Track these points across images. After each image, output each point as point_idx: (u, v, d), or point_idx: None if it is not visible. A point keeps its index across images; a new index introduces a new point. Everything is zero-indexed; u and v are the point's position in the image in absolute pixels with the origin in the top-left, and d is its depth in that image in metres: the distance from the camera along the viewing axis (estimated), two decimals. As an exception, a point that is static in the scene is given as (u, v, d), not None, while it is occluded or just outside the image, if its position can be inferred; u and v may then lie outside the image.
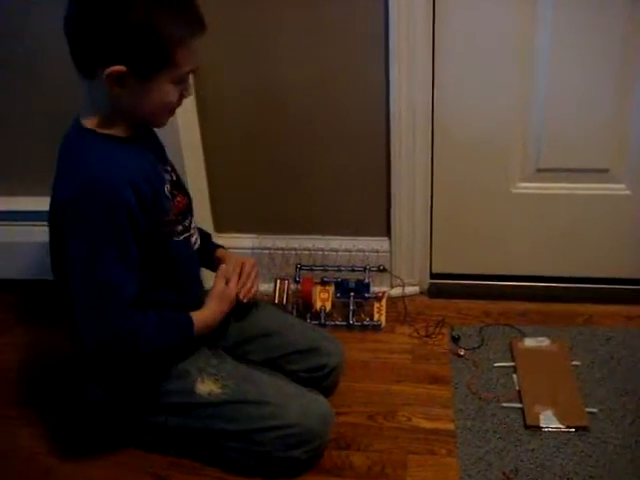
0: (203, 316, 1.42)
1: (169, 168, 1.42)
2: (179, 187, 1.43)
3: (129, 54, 1.18)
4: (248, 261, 1.54)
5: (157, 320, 1.34)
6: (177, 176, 1.45)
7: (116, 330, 1.28)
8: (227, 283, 1.48)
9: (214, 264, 1.55)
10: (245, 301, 1.50)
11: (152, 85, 1.23)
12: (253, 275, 1.53)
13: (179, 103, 1.31)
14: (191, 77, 1.31)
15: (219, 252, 1.58)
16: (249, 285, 1.51)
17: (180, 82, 1.27)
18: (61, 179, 1.30)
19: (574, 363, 1.67)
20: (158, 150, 1.43)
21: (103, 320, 1.27)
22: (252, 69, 1.74)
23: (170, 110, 1.31)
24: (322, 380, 1.57)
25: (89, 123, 1.28)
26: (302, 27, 1.67)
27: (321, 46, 1.69)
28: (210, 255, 1.57)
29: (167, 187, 1.37)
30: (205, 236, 1.58)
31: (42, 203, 1.37)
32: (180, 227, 1.40)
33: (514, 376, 1.65)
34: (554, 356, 1.69)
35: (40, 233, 1.47)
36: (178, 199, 1.40)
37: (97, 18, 1.17)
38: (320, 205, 1.91)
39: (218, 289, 1.46)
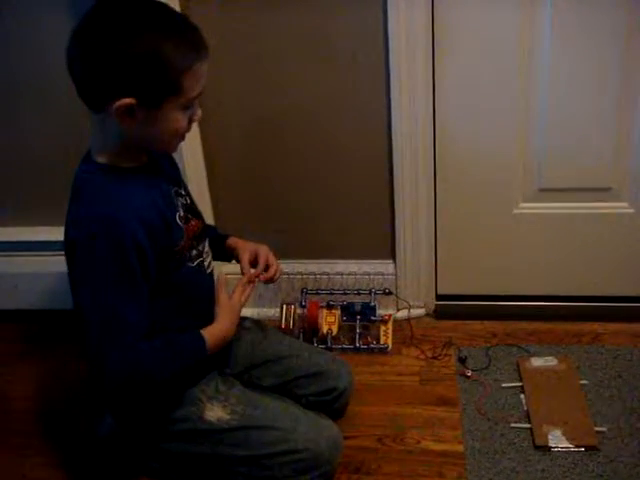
0: (215, 331, 1.38)
1: (183, 192, 1.42)
2: (193, 211, 1.43)
3: (137, 85, 1.18)
4: (262, 249, 1.53)
5: (168, 346, 1.32)
6: (191, 199, 1.44)
7: (127, 367, 1.26)
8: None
9: (227, 254, 1.55)
10: (275, 279, 1.52)
11: (161, 114, 1.23)
12: (271, 258, 1.52)
13: (189, 128, 1.30)
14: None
15: (230, 241, 1.56)
16: (272, 270, 1.51)
17: (188, 107, 1.27)
18: (71, 218, 1.29)
19: (582, 382, 1.67)
20: (172, 173, 1.43)
21: (114, 358, 1.25)
22: (254, 95, 1.75)
23: (181, 136, 1.30)
24: (332, 403, 1.57)
25: (100, 157, 1.28)
26: (304, 52, 1.69)
27: (322, 71, 1.70)
28: (222, 246, 1.55)
29: (179, 214, 1.36)
30: (211, 229, 1.56)
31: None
32: (194, 252, 1.39)
33: (522, 396, 1.65)
34: (562, 375, 1.69)
35: (52, 264, 1.46)
36: (192, 223, 1.39)
37: (102, 53, 1.17)
38: (325, 229, 1.92)
39: (223, 303, 1.42)
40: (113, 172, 1.28)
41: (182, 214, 1.37)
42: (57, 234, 1.34)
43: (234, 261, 1.55)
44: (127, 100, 1.18)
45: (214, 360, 1.47)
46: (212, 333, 1.38)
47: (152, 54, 1.17)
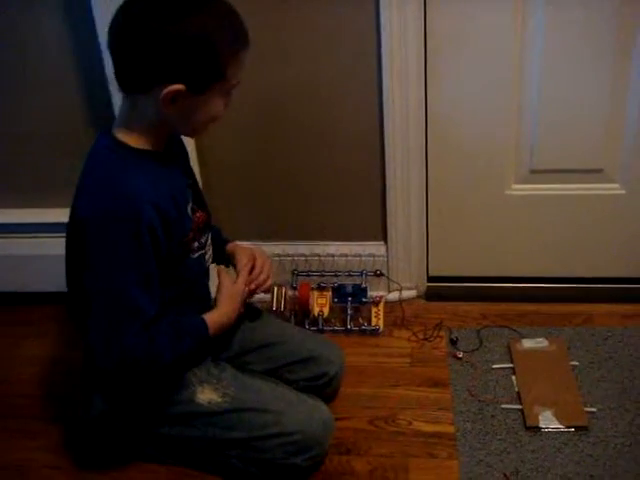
0: (216, 317, 1.39)
1: (191, 182, 1.41)
2: (200, 202, 1.42)
3: (186, 70, 1.16)
4: (260, 255, 1.52)
5: (172, 331, 1.31)
6: (198, 190, 1.43)
7: (133, 351, 1.26)
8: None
9: (226, 259, 1.54)
10: (259, 292, 1.49)
11: (205, 100, 1.22)
12: (267, 268, 1.51)
13: (223, 114, 1.29)
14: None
15: (230, 247, 1.56)
16: (262, 277, 1.49)
17: (227, 94, 1.26)
18: (84, 195, 1.27)
19: (572, 363, 1.67)
20: (184, 163, 1.41)
21: (120, 342, 1.24)
22: (245, 78, 1.74)
23: (215, 121, 1.29)
24: (323, 388, 1.57)
25: (123, 136, 1.25)
26: (294, 37, 1.68)
27: (314, 57, 1.69)
28: (222, 250, 1.55)
29: (191, 205, 1.35)
30: (215, 231, 1.55)
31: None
32: (197, 244, 1.38)
33: (513, 377, 1.65)
34: (552, 356, 1.69)
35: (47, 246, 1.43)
36: (198, 215, 1.39)
37: (150, 35, 1.14)
38: (316, 211, 1.91)
39: (226, 288, 1.42)
40: (133, 153, 1.25)
41: (191, 205, 1.36)
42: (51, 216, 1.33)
43: (232, 267, 1.54)
44: (177, 86, 1.16)
45: (211, 347, 1.47)
46: (213, 319, 1.38)
47: (203, 38, 1.15)
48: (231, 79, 1.23)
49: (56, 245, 1.36)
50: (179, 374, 1.42)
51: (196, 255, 1.39)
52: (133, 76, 1.20)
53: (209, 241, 1.45)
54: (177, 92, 1.17)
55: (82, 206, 1.26)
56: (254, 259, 1.51)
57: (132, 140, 1.26)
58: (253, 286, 1.48)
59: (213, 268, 1.53)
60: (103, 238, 1.22)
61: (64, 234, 1.34)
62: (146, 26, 1.14)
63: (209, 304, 1.45)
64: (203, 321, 1.36)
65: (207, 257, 1.45)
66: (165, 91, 1.16)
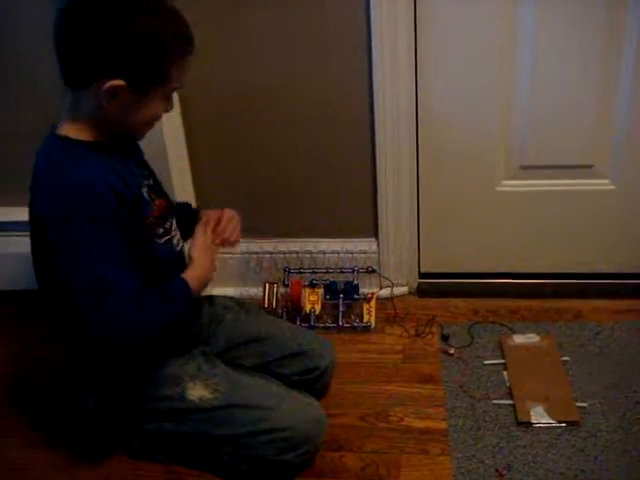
0: (195, 274, 1.38)
1: (147, 173, 1.41)
2: (157, 191, 1.42)
3: (130, 67, 1.18)
4: (227, 211, 1.51)
5: (155, 299, 1.31)
6: (155, 180, 1.44)
7: (119, 326, 1.25)
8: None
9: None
10: (226, 246, 1.48)
11: (146, 100, 1.23)
12: (233, 223, 1.50)
13: (160, 117, 1.31)
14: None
15: (201, 213, 1.54)
16: (229, 232, 1.48)
17: (168, 97, 1.28)
18: (38, 193, 1.28)
19: (563, 358, 1.68)
20: (135, 155, 1.41)
21: (104, 318, 1.24)
22: (235, 72, 1.74)
23: (153, 124, 1.31)
24: (314, 382, 1.57)
25: (67, 131, 1.27)
26: (285, 28, 1.67)
27: (304, 49, 1.69)
28: (194, 220, 1.53)
29: (145, 190, 1.35)
30: (184, 205, 1.57)
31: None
32: (161, 229, 1.38)
33: (504, 373, 1.66)
34: (543, 352, 1.70)
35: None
36: (157, 203, 1.39)
37: (97, 30, 1.15)
38: (307, 208, 1.91)
39: (199, 242, 1.42)
40: (77, 144, 1.27)
41: (147, 191, 1.36)
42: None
43: None
44: (118, 82, 1.18)
45: (195, 338, 1.47)
46: (192, 276, 1.37)
47: (153, 39, 1.17)
48: (174, 82, 1.25)
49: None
50: (170, 341, 1.42)
51: (162, 240, 1.39)
52: (78, 70, 1.21)
53: (174, 226, 1.44)
54: (118, 87, 1.18)
55: (39, 204, 1.27)
56: (220, 216, 1.50)
57: (75, 133, 1.27)
58: (218, 241, 1.47)
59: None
60: (67, 226, 1.23)
61: (27, 232, 1.34)
62: (94, 21, 1.16)
63: None
64: (183, 281, 1.35)
65: (175, 241, 1.44)
66: (106, 85, 1.18)
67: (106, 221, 1.23)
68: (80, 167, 1.25)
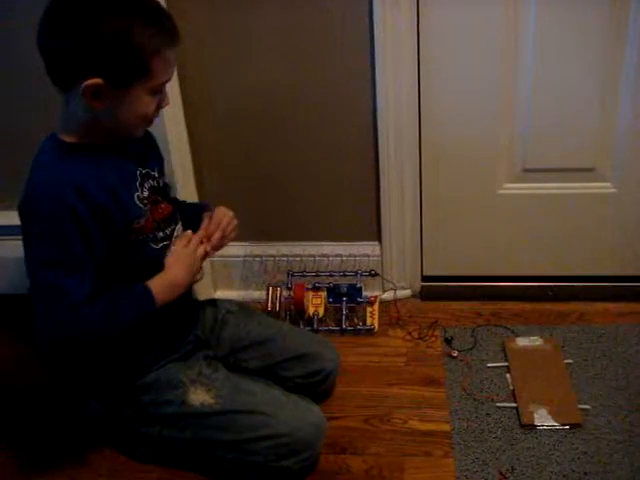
0: (161, 280, 1.36)
1: (156, 174, 1.41)
2: (164, 194, 1.42)
3: (104, 65, 1.19)
4: (220, 210, 1.49)
5: (108, 305, 1.29)
6: (164, 183, 1.44)
7: (60, 330, 1.25)
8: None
9: None
10: (211, 251, 1.45)
11: (129, 96, 1.23)
12: (224, 223, 1.47)
13: (156, 114, 1.30)
14: (168, 87, 1.30)
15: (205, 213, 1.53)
16: (217, 235, 1.45)
17: (157, 93, 1.27)
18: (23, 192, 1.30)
19: (567, 361, 1.68)
20: (143, 155, 1.40)
21: (50, 320, 1.25)
22: (239, 75, 1.74)
23: (148, 121, 1.31)
24: (318, 385, 1.58)
25: (63, 136, 1.28)
26: (288, 31, 1.68)
27: (307, 52, 1.70)
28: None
29: (140, 194, 1.34)
30: (199, 206, 1.56)
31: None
32: (161, 234, 1.38)
33: (507, 376, 1.66)
34: (547, 355, 1.70)
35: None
36: (162, 206, 1.39)
37: (70, 31, 1.18)
38: (310, 211, 1.91)
39: (175, 252, 1.40)
40: (62, 146, 1.28)
41: (146, 195, 1.35)
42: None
43: None
44: (94, 80, 1.19)
45: (197, 342, 1.47)
46: (158, 283, 1.35)
47: (119, 35, 1.18)
48: (157, 76, 1.24)
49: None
50: (146, 335, 1.41)
51: (159, 245, 1.38)
52: (57, 73, 1.23)
53: (176, 233, 1.44)
54: (96, 86, 1.19)
55: (20, 201, 1.29)
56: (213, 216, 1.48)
57: (66, 135, 1.28)
58: (208, 247, 1.44)
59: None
60: (26, 223, 1.26)
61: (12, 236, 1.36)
62: (65, 25, 1.18)
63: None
64: (146, 289, 1.33)
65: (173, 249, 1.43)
66: (84, 84, 1.19)
67: (61, 223, 1.23)
68: (53, 168, 1.27)
